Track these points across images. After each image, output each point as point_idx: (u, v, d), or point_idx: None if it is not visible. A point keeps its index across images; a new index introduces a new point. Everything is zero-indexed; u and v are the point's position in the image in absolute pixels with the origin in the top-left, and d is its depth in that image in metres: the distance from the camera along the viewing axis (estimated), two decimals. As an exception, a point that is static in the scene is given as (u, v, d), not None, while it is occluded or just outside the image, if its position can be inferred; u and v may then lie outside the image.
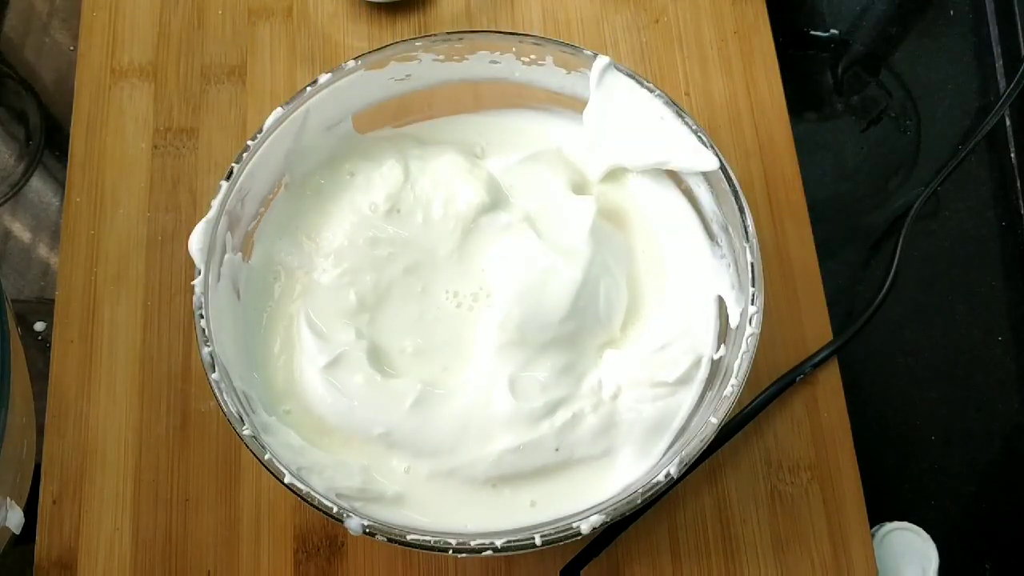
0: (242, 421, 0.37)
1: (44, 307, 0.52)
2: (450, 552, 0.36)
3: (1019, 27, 0.59)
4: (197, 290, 0.39)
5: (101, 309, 0.49)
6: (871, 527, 0.47)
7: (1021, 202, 0.58)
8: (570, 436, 0.41)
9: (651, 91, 0.43)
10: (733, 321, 0.41)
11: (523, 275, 0.43)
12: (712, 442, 0.38)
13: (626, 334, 0.45)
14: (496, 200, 0.45)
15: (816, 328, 0.50)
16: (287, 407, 0.42)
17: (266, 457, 0.37)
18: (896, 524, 0.48)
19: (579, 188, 0.47)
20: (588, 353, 0.43)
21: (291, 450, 0.39)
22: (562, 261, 0.43)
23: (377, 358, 0.43)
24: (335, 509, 0.36)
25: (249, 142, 0.42)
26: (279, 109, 0.43)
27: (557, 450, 0.41)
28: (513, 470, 0.41)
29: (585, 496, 0.41)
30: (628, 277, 0.45)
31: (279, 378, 0.42)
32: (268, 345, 0.43)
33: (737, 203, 0.41)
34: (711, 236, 0.45)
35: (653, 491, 0.37)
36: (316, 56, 0.55)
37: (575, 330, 0.43)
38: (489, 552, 0.36)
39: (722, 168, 0.42)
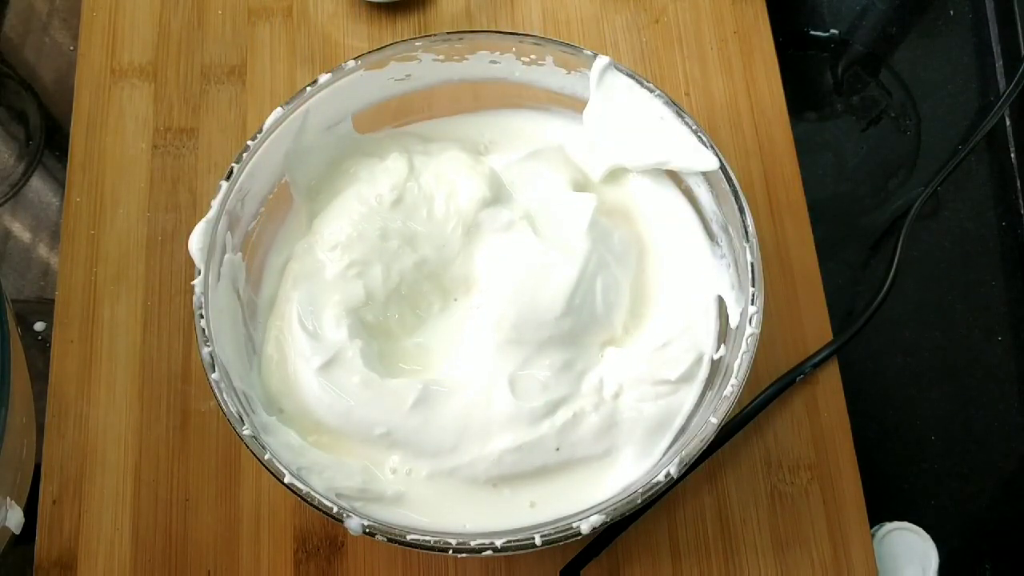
0: (242, 421, 0.37)
1: (44, 307, 0.52)
2: (450, 552, 0.36)
3: (1019, 27, 0.59)
4: (197, 290, 0.39)
5: (101, 309, 0.49)
6: (871, 527, 0.47)
7: (1021, 202, 0.58)
8: (571, 436, 0.41)
9: (651, 91, 0.43)
10: (733, 321, 0.41)
11: (519, 273, 0.43)
12: (712, 442, 0.38)
13: (627, 333, 0.44)
14: (498, 196, 0.45)
15: (816, 328, 0.50)
16: (281, 406, 0.42)
17: (266, 457, 0.37)
18: (896, 524, 0.48)
19: (580, 186, 0.47)
20: (589, 351, 0.43)
21: (291, 450, 0.39)
22: (559, 258, 0.43)
23: (378, 356, 0.43)
24: (335, 509, 0.36)
25: (249, 142, 0.42)
26: (279, 109, 0.43)
27: (558, 450, 0.41)
28: (514, 470, 0.41)
29: (585, 496, 0.41)
30: (630, 275, 0.45)
31: (274, 379, 0.42)
32: (263, 344, 0.43)
33: (737, 203, 0.41)
34: (711, 236, 0.45)
35: (653, 491, 0.37)
36: (316, 56, 0.55)
37: (574, 328, 0.43)
38: (489, 552, 0.36)
39: (722, 168, 0.42)
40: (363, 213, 0.44)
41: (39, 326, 0.52)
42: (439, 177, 0.45)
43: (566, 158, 0.47)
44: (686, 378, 0.42)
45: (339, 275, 0.43)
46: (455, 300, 0.45)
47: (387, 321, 0.44)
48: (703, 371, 0.43)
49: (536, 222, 0.45)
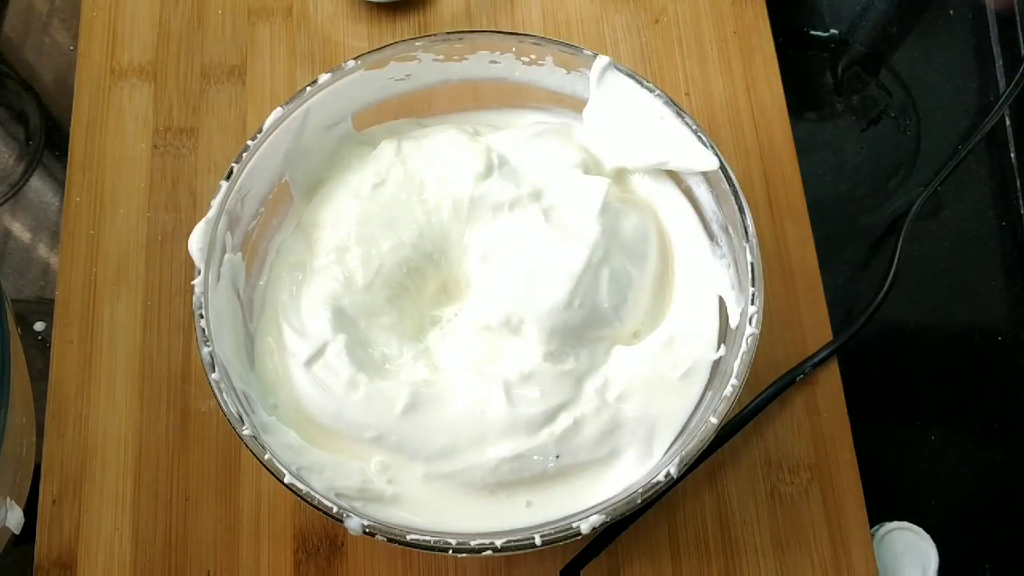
0: (242, 421, 0.37)
1: (44, 307, 0.52)
2: (450, 552, 0.36)
3: (1019, 27, 0.59)
4: (197, 290, 0.39)
5: (101, 309, 0.49)
6: (871, 527, 0.47)
7: (1021, 202, 0.58)
8: (572, 443, 0.40)
9: (651, 91, 0.43)
10: (733, 321, 0.41)
11: (519, 258, 0.42)
12: (712, 442, 0.38)
13: (636, 334, 0.43)
14: (497, 174, 0.43)
15: (816, 328, 0.50)
16: (275, 401, 0.41)
17: (266, 457, 0.37)
18: (896, 524, 0.48)
19: (591, 171, 0.45)
20: (593, 350, 0.42)
21: (291, 450, 0.39)
22: (565, 242, 0.42)
23: (366, 351, 0.42)
24: (335, 509, 0.36)
25: (249, 142, 0.42)
26: (279, 109, 0.43)
27: (558, 457, 0.40)
28: (511, 478, 0.40)
29: (585, 496, 0.40)
30: (642, 269, 0.43)
31: (268, 372, 0.42)
32: (261, 340, 0.43)
33: (737, 203, 0.41)
34: (711, 236, 0.45)
35: (653, 491, 0.37)
36: (316, 56, 0.55)
37: (577, 322, 0.41)
38: (489, 552, 0.36)
39: (722, 168, 0.42)
40: (346, 200, 0.43)
41: (39, 326, 0.52)
42: (430, 157, 0.44)
43: (576, 140, 0.46)
44: (688, 377, 0.42)
45: (319, 264, 0.42)
46: (447, 290, 0.44)
47: (372, 312, 0.42)
48: (703, 371, 0.42)
49: (543, 202, 0.43)
